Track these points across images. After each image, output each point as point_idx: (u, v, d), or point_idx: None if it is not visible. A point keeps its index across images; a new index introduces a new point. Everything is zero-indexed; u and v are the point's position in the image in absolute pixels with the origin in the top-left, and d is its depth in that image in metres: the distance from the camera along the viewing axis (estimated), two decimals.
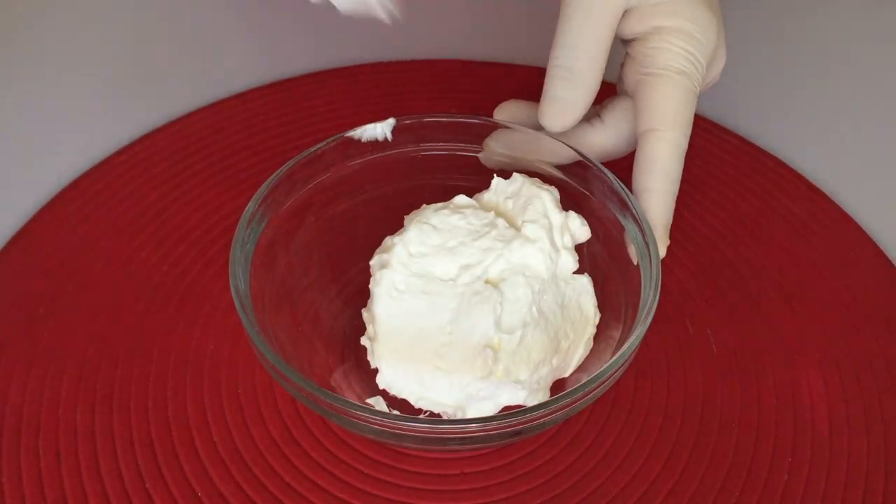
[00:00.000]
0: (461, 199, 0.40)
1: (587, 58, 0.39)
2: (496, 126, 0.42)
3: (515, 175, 0.41)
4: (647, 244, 0.38)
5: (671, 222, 0.39)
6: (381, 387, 0.39)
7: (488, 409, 0.38)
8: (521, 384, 0.37)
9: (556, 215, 0.39)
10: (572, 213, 0.40)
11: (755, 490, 0.38)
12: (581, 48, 0.39)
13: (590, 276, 0.40)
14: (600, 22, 0.39)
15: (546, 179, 0.42)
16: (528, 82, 0.58)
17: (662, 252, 0.38)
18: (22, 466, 0.38)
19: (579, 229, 0.40)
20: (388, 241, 0.40)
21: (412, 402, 0.38)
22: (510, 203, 0.40)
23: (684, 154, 0.39)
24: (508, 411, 0.37)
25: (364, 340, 0.40)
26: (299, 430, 0.39)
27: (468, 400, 0.37)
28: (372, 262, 0.40)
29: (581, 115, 0.40)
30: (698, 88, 0.39)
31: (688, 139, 0.39)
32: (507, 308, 0.37)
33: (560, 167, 0.42)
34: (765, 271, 0.47)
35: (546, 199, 0.39)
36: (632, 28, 0.40)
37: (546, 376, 0.38)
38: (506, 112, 0.45)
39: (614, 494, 0.38)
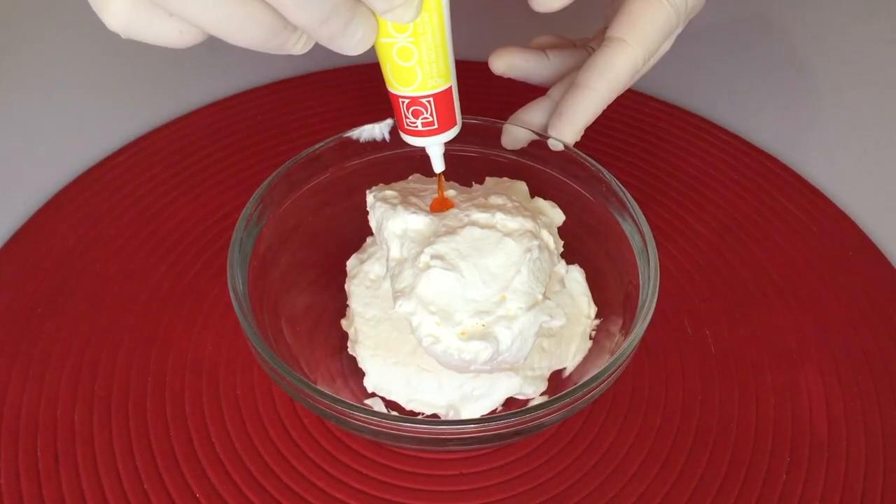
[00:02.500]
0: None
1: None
2: (495, 126, 0.42)
3: (488, 178, 0.43)
4: (645, 245, 0.38)
5: (590, 123, 0.40)
6: (369, 390, 0.39)
7: (486, 407, 0.38)
8: (515, 370, 0.37)
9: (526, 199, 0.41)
10: (539, 198, 0.42)
11: (753, 490, 0.38)
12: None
13: (586, 273, 0.40)
14: None
15: (545, 179, 0.42)
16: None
17: (571, 140, 0.40)
18: (20, 467, 0.38)
19: (550, 211, 0.41)
20: (368, 241, 0.42)
21: (402, 405, 0.38)
22: (480, 200, 0.41)
23: (637, 73, 0.40)
24: (506, 412, 0.37)
25: (350, 348, 0.40)
26: (297, 431, 0.39)
27: (462, 400, 0.37)
28: (349, 263, 0.41)
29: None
30: (677, 23, 0.40)
31: (645, 58, 0.39)
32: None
33: (559, 168, 0.42)
34: (763, 272, 0.47)
35: (519, 187, 0.41)
36: None
37: (540, 361, 0.39)
38: (502, 61, 0.45)
39: (613, 495, 0.38)
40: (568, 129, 0.40)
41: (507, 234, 0.36)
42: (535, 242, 0.36)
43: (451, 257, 0.35)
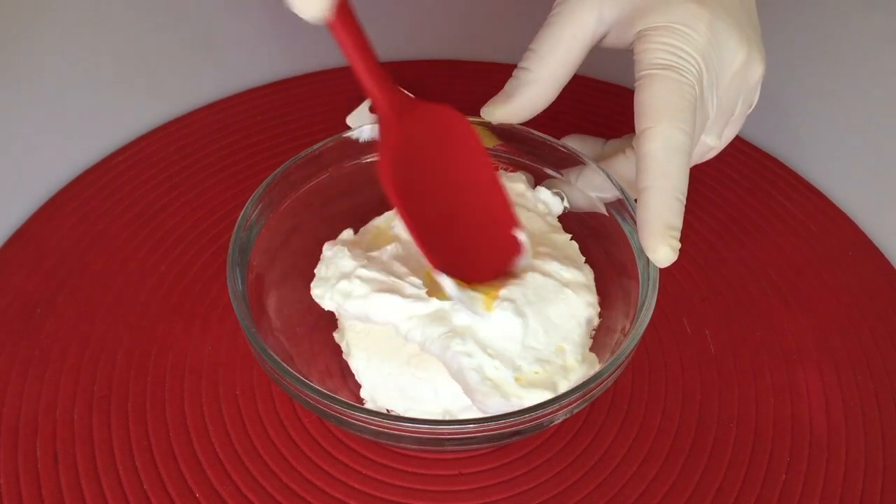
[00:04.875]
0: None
1: (548, 71, 0.40)
2: (493, 126, 0.42)
3: None
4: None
5: (677, 222, 0.36)
6: (364, 399, 0.38)
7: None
8: None
9: (527, 190, 0.41)
10: (541, 188, 0.42)
11: (753, 489, 0.38)
12: (546, 61, 0.40)
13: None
14: (570, 45, 0.40)
15: (545, 179, 0.43)
16: None
17: (665, 255, 0.36)
18: (19, 467, 0.38)
19: (551, 199, 0.41)
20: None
21: (401, 414, 0.38)
22: None
23: (682, 148, 0.36)
24: (506, 412, 0.37)
25: (347, 360, 0.40)
26: (297, 431, 0.39)
27: (462, 411, 0.37)
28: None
29: (521, 119, 0.41)
30: (691, 79, 0.37)
31: (684, 133, 0.36)
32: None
33: (559, 168, 0.42)
34: (762, 271, 0.46)
35: (516, 181, 0.41)
36: (620, 40, 0.40)
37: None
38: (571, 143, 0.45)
39: (613, 494, 0.38)
40: (651, 240, 0.36)
41: (565, 285, 0.37)
42: (592, 298, 0.37)
43: (520, 302, 0.35)
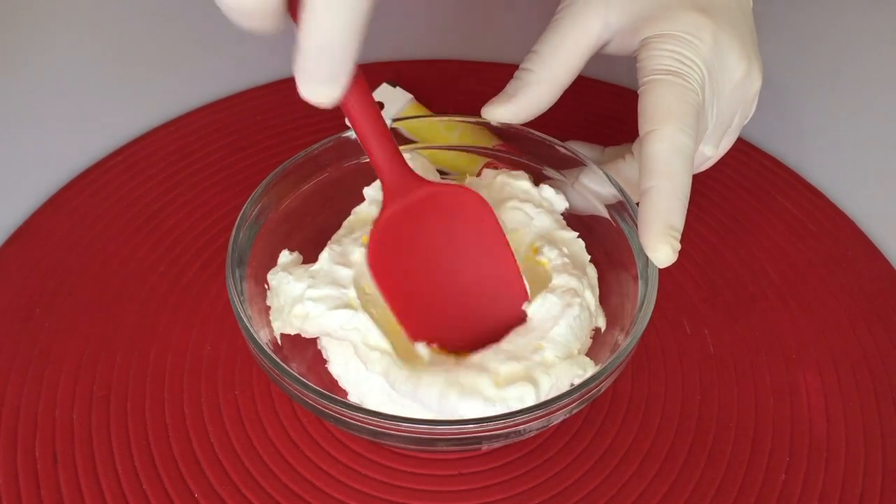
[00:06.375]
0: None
1: (551, 74, 0.40)
2: (493, 126, 0.42)
3: (485, 171, 0.43)
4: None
5: (678, 223, 0.36)
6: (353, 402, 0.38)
7: None
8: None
9: (532, 188, 0.41)
10: (545, 185, 0.42)
11: (752, 489, 0.38)
12: (549, 63, 0.40)
13: None
14: (573, 49, 0.40)
15: (544, 179, 0.43)
16: None
17: (666, 255, 0.36)
18: (18, 467, 0.38)
19: (554, 197, 0.41)
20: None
21: None
22: (485, 192, 0.41)
23: (686, 151, 0.37)
24: (505, 412, 0.37)
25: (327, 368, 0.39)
26: (296, 431, 0.39)
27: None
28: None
29: (522, 120, 0.41)
30: (695, 85, 0.38)
31: (688, 136, 0.37)
32: None
33: (559, 168, 0.42)
34: (762, 271, 0.46)
35: (521, 179, 0.42)
36: (623, 47, 0.40)
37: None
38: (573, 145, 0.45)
39: (612, 494, 0.38)
40: (652, 239, 0.36)
41: (549, 291, 0.37)
42: (578, 300, 0.37)
43: None
